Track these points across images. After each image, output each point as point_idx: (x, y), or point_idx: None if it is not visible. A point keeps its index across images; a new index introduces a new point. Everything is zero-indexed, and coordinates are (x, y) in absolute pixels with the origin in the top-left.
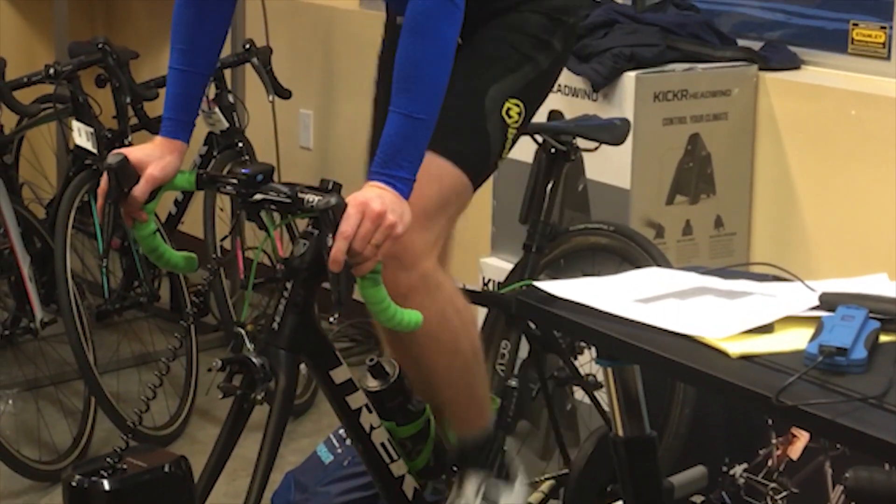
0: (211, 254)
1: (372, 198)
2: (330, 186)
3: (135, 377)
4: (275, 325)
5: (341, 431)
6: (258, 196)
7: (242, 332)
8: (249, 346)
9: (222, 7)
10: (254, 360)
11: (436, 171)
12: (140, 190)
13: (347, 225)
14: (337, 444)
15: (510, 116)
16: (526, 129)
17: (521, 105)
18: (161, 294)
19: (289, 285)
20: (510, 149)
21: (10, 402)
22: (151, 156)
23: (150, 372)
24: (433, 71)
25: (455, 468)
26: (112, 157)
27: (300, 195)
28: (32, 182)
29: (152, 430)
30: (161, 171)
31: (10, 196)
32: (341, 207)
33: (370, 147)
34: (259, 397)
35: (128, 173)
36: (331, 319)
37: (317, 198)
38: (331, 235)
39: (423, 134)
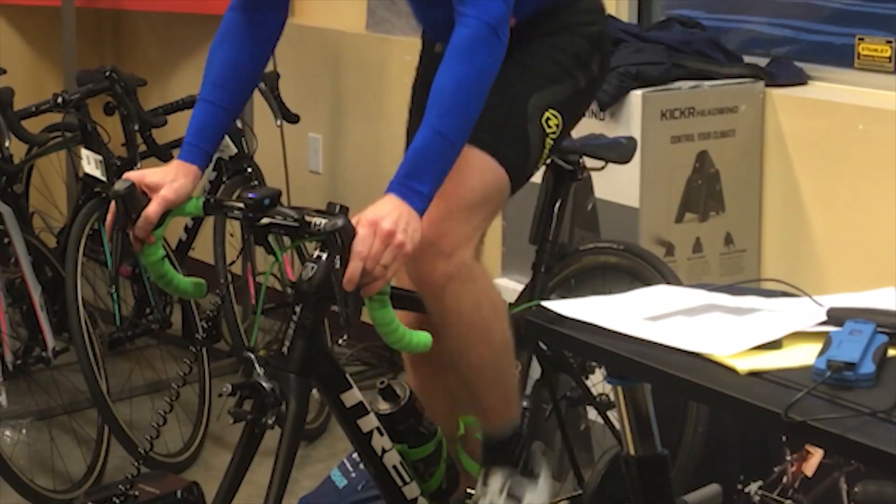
0: (221, 279)
1: (383, 216)
2: (337, 210)
3: (148, 405)
4: (284, 350)
5: (355, 455)
6: (265, 220)
7: (252, 356)
8: (259, 370)
9: (258, 53)
10: (264, 384)
11: (478, 164)
12: (152, 211)
13: (362, 245)
14: (351, 469)
15: (549, 126)
16: (561, 141)
17: (560, 117)
18: (173, 321)
19: (298, 309)
20: (546, 159)
21: (24, 431)
22: (165, 178)
23: (162, 399)
24: (470, 98)
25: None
26: (119, 184)
27: (307, 219)
28: (43, 211)
29: (166, 457)
30: (174, 194)
31: (20, 225)
32: (348, 230)
33: None
34: (270, 422)
35: (135, 200)
36: (339, 342)
37: (323, 221)
38: (338, 258)
39: (450, 155)
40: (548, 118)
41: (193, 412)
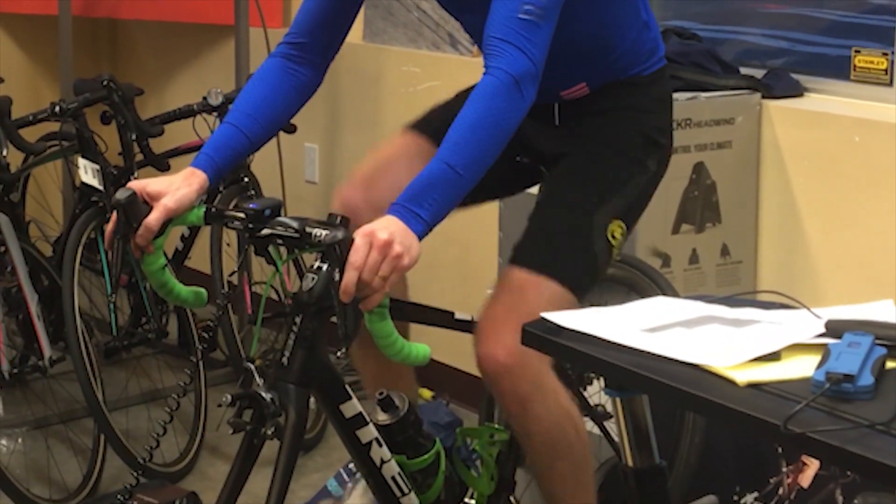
0: (219, 289)
1: (379, 228)
2: (338, 221)
3: (144, 414)
4: (284, 360)
5: (351, 465)
6: (266, 231)
7: (252, 367)
8: (259, 381)
9: (289, 101)
10: (263, 395)
11: (549, 295)
12: (153, 219)
13: (357, 256)
14: (347, 478)
15: (615, 238)
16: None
17: (624, 226)
18: (169, 330)
19: (298, 320)
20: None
21: (20, 440)
22: (168, 188)
23: (159, 408)
24: (485, 141)
25: None
26: (120, 193)
27: (308, 229)
28: (38, 220)
29: (162, 467)
30: (176, 203)
31: (17, 234)
32: (348, 242)
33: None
34: (269, 432)
35: (136, 209)
36: (338, 354)
37: (324, 232)
38: (337, 270)
39: (457, 188)
40: (613, 231)
41: (189, 422)
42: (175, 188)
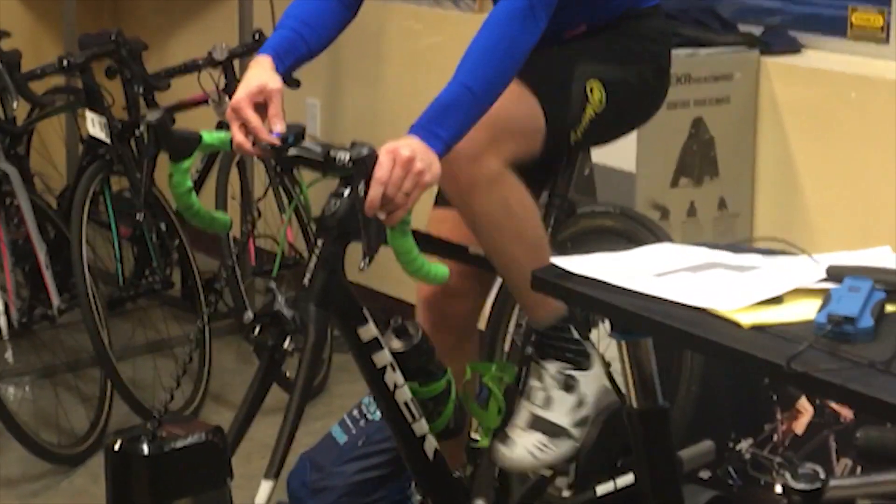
0: (225, 240)
1: (401, 145)
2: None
3: (149, 364)
4: (305, 282)
5: (355, 412)
6: (293, 151)
7: (274, 286)
8: (281, 299)
9: (339, 18)
10: (284, 312)
11: (518, 95)
12: (273, 112)
13: (381, 171)
14: (351, 425)
15: (591, 95)
16: (605, 132)
17: (603, 93)
18: (174, 281)
19: (320, 242)
20: (584, 135)
21: (28, 388)
22: (270, 76)
23: (164, 358)
24: (500, 62)
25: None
26: (152, 114)
27: (332, 153)
28: (42, 172)
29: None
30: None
31: (24, 186)
32: (373, 158)
33: None
34: (290, 349)
35: (166, 130)
36: (361, 267)
37: (348, 154)
38: (362, 184)
39: (475, 108)
40: (591, 87)
41: (194, 370)
42: (272, 75)
